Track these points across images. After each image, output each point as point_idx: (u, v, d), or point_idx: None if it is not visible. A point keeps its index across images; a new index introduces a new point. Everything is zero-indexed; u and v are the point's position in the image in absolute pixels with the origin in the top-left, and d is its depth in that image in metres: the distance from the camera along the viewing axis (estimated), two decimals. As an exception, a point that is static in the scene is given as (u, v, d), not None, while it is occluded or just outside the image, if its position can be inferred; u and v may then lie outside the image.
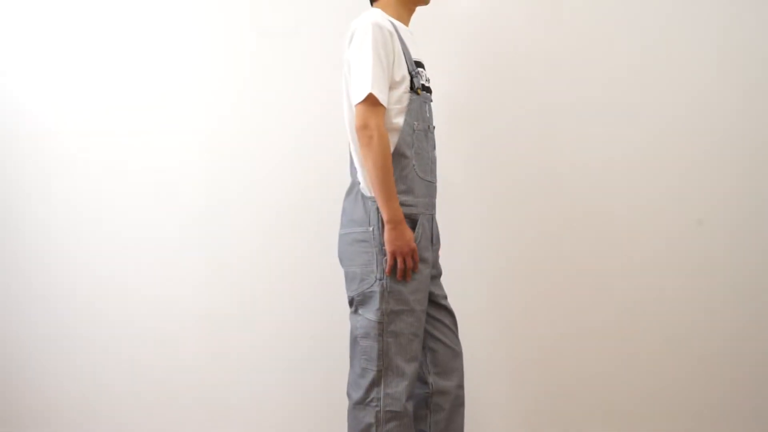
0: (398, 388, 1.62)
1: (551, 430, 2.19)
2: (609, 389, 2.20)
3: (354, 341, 1.67)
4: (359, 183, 1.66)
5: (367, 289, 1.62)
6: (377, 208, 1.61)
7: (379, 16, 1.63)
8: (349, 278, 1.67)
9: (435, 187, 1.76)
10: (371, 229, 1.62)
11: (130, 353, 2.21)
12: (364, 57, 1.58)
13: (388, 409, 1.61)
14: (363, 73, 1.58)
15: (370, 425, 1.62)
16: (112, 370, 2.21)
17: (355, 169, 1.69)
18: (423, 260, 1.66)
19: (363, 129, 1.58)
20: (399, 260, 1.59)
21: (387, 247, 1.59)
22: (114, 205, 2.20)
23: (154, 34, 2.20)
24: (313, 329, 2.18)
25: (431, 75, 1.81)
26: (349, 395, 1.68)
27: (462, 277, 2.10)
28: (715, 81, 2.17)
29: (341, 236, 1.70)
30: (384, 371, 1.62)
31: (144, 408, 2.20)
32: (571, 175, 2.18)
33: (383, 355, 1.61)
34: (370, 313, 1.62)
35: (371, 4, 1.79)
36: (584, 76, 2.17)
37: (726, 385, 2.20)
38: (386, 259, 1.60)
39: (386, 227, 1.59)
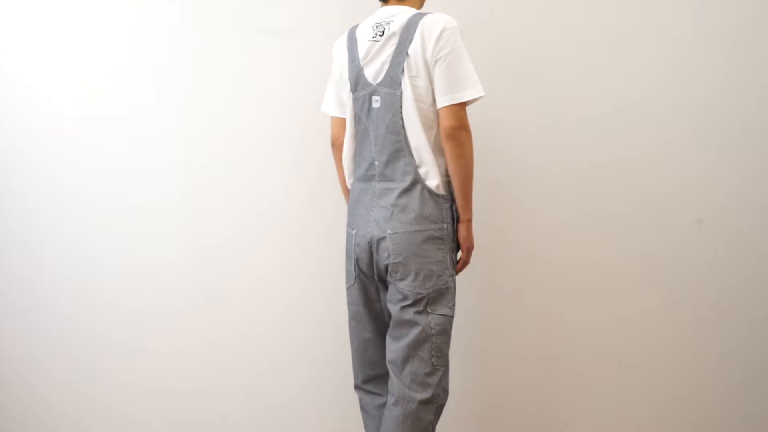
0: (448, 379, 1.69)
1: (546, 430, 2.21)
2: (605, 391, 2.21)
3: (422, 341, 1.62)
4: (423, 180, 1.63)
5: (443, 285, 1.63)
6: (450, 206, 1.66)
7: None
8: (422, 276, 1.62)
9: None
10: (445, 226, 1.65)
11: (119, 343, 2.18)
12: (465, 58, 1.59)
13: (442, 402, 1.67)
14: (469, 74, 1.59)
15: (431, 422, 1.64)
16: (100, 360, 2.18)
17: (412, 167, 1.63)
18: None
19: (460, 129, 1.59)
20: (469, 256, 1.72)
21: (463, 244, 1.68)
22: (113, 202, 2.16)
23: (151, 33, 2.16)
24: (301, 322, 2.18)
25: None
26: (409, 398, 1.62)
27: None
28: (715, 82, 2.17)
29: (406, 233, 1.62)
30: (446, 366, 1.67)
31: (136, 397, 2.18)
32: (571, 174, 2.18)
33: (448, 350, 1.67)
34: (444, 309, 1.64)
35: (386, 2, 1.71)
36: (585, 76, 2.17)
37: (726, 385, 2.21)
38: (456, 255, 1.69)
39: (464, 225, 1.67)
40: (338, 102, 1.78)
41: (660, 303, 2.20)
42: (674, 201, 2.19)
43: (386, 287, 1.70)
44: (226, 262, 2.17)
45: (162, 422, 2.18)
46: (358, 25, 1.72)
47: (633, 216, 2.18)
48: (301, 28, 2.12)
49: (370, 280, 1.71)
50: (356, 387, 1.82)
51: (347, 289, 1.76)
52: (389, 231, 1.62)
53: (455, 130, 1.59)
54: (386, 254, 1.63)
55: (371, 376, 1.78)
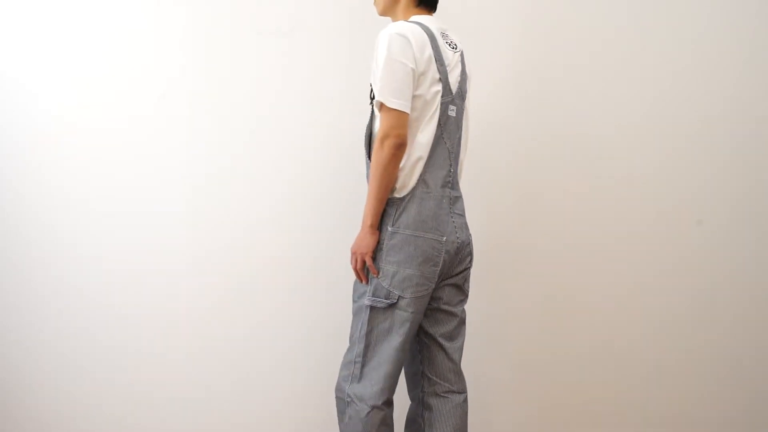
0: None
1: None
2: (606, 391, 2.22)
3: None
4: None
5: None
6: None
7: None
8: None
9: None
10: None
11: (117, 346, 2.16)
12: None
13: None
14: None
15: None
16: (99, 361, 2.16)
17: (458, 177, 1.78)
18: None
19: None
20: None
21: None
22: (114, 203, 2.15)
23: (151, 34, 2.15)
24: (307, 325, 2.17)
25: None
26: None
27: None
28: (716, 83, 2.18)
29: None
30: None
31: (132, 399, 2.17)
32: (571, 175, 2.18)
33: None
34: None
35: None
36: (584, 75, 2.17)
37: (726, 385, 2.23)
38: None
39: None
40: (410, 99, 1.58)
41: (660, 303, 2.21)
42: (674, 202, 2.19)
43: None
44: (229, 267, 2.15)
45: (164, 427, 2.18)
46: (421, 24, 1.61)
47: (633, 216, 2.19)
48: (301, 28, 2.11)
49: None
50: (385, 404, 1.62)
51: (416, 298, 1.61)
52: (471, 237, 1.74)
53: None
54: (469, 258, 1.74)
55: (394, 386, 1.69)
